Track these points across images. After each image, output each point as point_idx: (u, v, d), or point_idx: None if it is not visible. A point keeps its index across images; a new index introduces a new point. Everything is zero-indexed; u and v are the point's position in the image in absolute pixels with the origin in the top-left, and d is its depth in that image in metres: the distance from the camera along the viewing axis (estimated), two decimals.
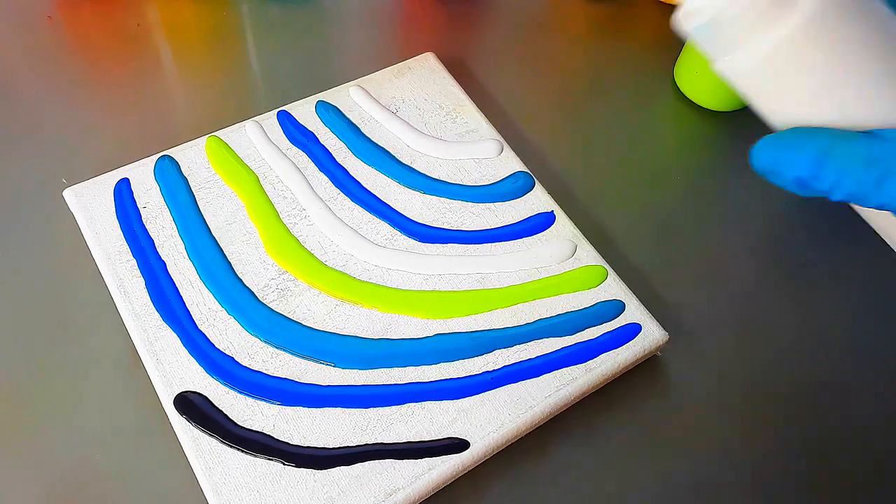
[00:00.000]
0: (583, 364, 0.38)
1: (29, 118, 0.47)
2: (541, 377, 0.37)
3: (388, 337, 0.38)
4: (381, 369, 0.37)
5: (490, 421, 0.36)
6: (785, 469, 0.38)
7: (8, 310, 0.39)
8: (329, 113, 0.45)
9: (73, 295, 0.40)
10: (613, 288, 0.40)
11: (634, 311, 0.39)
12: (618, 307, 0.39)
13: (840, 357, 0.42)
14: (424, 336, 0.38)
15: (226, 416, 0.35)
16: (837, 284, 0.44)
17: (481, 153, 0.44)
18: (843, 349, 0.42)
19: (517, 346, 0.38)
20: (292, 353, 0.37)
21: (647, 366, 0.40)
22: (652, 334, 0.39)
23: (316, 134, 0.45)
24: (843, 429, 0.39)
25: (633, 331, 0.39)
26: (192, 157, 0.43)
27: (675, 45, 0.53)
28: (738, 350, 0.41)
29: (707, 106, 0.50)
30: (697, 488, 0.37)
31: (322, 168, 0.43)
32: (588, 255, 0.41)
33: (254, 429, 0.35)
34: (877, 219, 0.26)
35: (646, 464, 0.38)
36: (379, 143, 0.45)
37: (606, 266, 0.41)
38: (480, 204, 0.43)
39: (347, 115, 0.46)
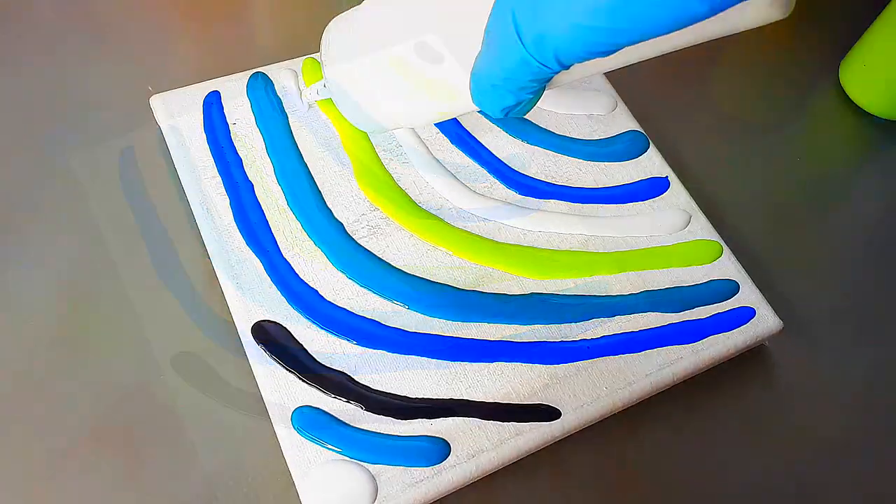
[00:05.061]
0: (690, 344, 0.34)
1: (120, 26, 0.45)
2: (643, 353, 0.34)
3: (479, 290, 0.35)
4: (471, 323, 0.34)
5: (584, 392, 0.33)
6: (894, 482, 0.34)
7: (87, 217, 0.37)
8: None
9: (153, 207, 0.38)
10: (728, 267, 0.37)
11: (749, 294, 0.36)
12: (732, 288, 0.36)
13: None
14: (519, 294, 0.35)
15: (305, 350, 0.32)
16: None
17: (594, 107, 0.41)
18: None
19: (618, 316, 0.35)
20: (379, 295, 0.34)
21: (753, 355, 0.37)
22: (766, 321, 0.36)
23: None
24: None
25: (746, 314, 0.35)
26: (288, 77, 0.40)
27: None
28: (852, 349, 0.38)
29: (858, 103, 0.46)
30: (796, 492, 0.34)
31: None
32: (703, 229, 0.38)
33: (333, 367, 0.32)
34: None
35: (743, 460, 0.34)
36: None
37: (722, 242, 0.37)
38: (589, 161, 0.39)
39: None
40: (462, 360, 0.33)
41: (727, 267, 0.37)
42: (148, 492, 0.31)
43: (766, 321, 0.36)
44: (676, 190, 0.39)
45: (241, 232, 0.35)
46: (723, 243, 0.38)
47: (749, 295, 0.36)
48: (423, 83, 0.29)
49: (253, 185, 0.37)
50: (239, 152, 0.38)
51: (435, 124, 0.40)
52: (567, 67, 0.25)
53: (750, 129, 0.45)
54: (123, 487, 0.31)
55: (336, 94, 0.32)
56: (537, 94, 0.27)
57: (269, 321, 0.33)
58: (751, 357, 0.37)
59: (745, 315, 0.35)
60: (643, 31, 0.23)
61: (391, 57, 0.29)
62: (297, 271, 0.34)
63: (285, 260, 0.35)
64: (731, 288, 0.36)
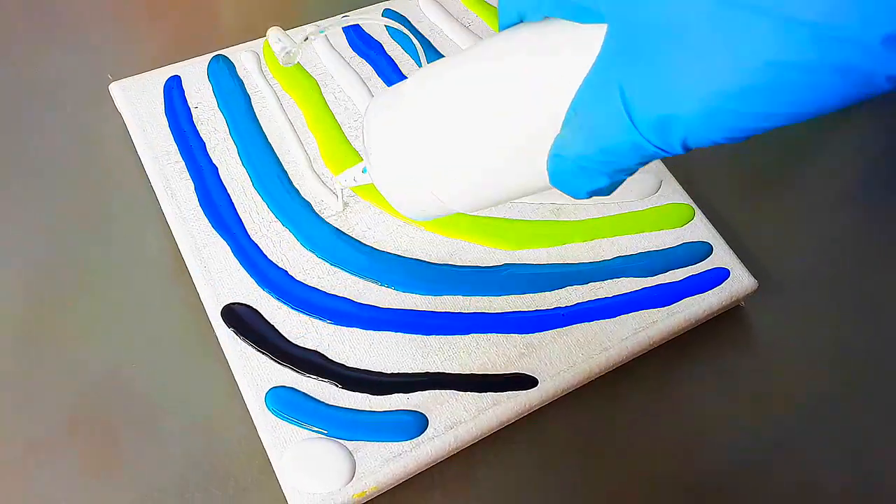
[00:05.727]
0: (664, 307, 0.34)
1: (77, 13, 0.44)
2: (617, 318, 0.34)
3: (451, 263, 0.35)
4: (445, 296, 0.34)
5: (561, 359, 0.33)
6: (873, 436, 0.35)
7: (49, 208, 0.36)
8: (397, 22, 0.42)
9: (116, 196, 0.37)
10: (700, 229, 0.37)
11: (723, 255, 0.36)
12: (705, 250, 0.36)
13: None
14: (492, 265, 0.35)
15: (277, 331, 0.32)
16: None
17: None
18: None
19: (592, 283, 0.35)
20: (350, 272, 0.34)
21: (729, 316, 0.37)
22: (740, 280, 0.35)
23: (382, 43, 0.41)
24: None
25: (720, 275, 0.35)
26: (249, 59, 0.39)
27: None
28: (827, 306, 0.38)
29: None
30: (776, 449, 0.34)
31: (387, 80, 0.40)
32: (674, 192, 0.38)
33: (307, 347, 0.32)
34: None
35: (723, 420, 0.34)
36: None
37: (693, 205, 0.37)
38: None
39: (416, 26, 0.42)
40: (437, 334, 0.33)
41: (700, 229, 0.37)
42: (124, 479, 0.30)
43: (740, 281, 0.36)
44: None
45: (207, 216, 0.34)
46: (694, 206, 0.37)
47: (723, 256, 0.36)
48: (490, 167, 0.25)
49: (217, 168, 0.36)
50: (202, 136, 0.37)
51: None
52: (689, 150, 0.20)
53: None
54: (100, 476, 0.30)
55: (382, 180, 0.27)
56: (633, 173, 0.22)
57: (238, 304, 0.33)
58: (727, 317, 0.37)
59: (719, 276, 0.35)
60: (803, 112, 0.18)
61: (452, 139, 0.25)
62: (265, 252, 0.34)
63: (253, 242, 0.34)
64: (704, 250, 0.36)
